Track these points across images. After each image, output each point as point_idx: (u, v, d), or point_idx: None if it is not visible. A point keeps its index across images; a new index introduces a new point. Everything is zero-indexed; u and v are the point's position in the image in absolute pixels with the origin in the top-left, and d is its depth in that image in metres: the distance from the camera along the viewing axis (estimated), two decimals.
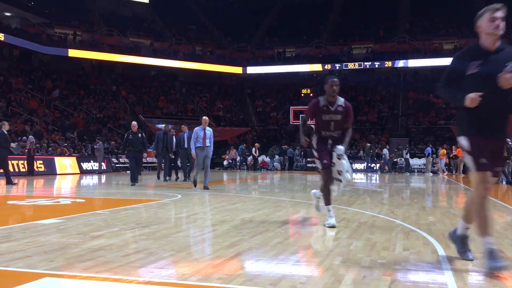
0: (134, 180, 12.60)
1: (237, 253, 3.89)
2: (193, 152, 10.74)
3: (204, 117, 11.27)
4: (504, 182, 15.07)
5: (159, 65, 36.54)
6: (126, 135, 12.94)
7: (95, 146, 21.88)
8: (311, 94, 34.43)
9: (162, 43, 37.89)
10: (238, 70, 38.09)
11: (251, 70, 38.12)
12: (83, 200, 8.66)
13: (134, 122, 13.13)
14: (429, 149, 24.12)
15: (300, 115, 26.64)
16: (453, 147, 23.35)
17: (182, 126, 15.11)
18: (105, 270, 3.25)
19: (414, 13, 39.44)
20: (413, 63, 34.70)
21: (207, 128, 10.87)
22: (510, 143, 15.65)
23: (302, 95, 35.03)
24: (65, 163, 20.64)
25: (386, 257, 3.83)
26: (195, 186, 11.38)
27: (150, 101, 34.77)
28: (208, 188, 10.73)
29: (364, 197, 9.81)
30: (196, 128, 10.96)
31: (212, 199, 8.54)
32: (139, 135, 12.77)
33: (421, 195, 10.99)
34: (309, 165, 25.89)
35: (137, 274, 3.20)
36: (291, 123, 28.50)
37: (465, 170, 18.83)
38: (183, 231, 5.01)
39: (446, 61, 33.96)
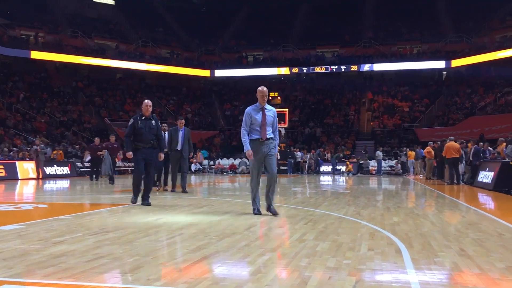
0: (145, 199, 7.98)
1: (203, 257, 3.86)
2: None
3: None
4: (456, 182, 15.49)
5: (125, 68, 36.01)
6: (131, 122, 8.02)
7: (37, 149, 19.42)
8: (279, 98, 34.60)
9: (128, 45, 37.38)
10: (206, 73, 37.96)
11: (219, 73, 38.07)
12: (46, 206, 8.42)
13: (147, 101, 8.17)
14: (422, 152, 23.56)
15: None
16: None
17: (163, 124, 11.92)
18: (67, 277, 3.16)
19: (378, 18, 40.27)
20: (378, 67, 35.40)
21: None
22: (465, 148, 16.17)
23: (270, 98, 35.15)
24: (27, 168, 20.05)
25: (352, 257, 3.87)
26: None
27: (116, 104, 34.21)
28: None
29: (331, 199, 9.91)
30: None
31: (180, 203, 8.46)
32: (153, 122, 8.05)
33: (387, 196, 11.19)
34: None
35: (100, 280, 3.12)
36: None
37: (435, 173, 19.21)
38: (149, 235, 4.93)
39: (410, 65, 34.88)
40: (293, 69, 36.54)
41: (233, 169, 27.49)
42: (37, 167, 19.45)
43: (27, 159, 21.02)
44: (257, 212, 6.78)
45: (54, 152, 22.46)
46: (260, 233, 5.27)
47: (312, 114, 34.28)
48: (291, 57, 37.71)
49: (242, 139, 6.61)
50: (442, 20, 38.24)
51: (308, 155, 27.10)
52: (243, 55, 39.33)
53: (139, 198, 8.07)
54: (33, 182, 17.19)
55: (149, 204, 7.81)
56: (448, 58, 33.66)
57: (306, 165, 26.73)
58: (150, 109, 8.02)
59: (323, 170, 26.41)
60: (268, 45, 39.01)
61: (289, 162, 25.59)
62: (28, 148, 22.44)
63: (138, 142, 7.88)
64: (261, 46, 39.17)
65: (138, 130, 7.86)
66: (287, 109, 27.77)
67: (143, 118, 7.95)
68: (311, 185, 15.16)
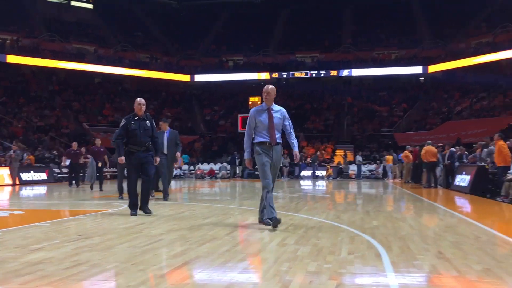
0: (144, 207, 7.29)
1: (184, 262, 3.84)
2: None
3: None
4: (434, 185, 15.74)
5: (104, 72, 35.62)
6: (123, 122, 7.33)
7: (12, 154, 18.67)
8: (259, 102, 34.68)
9: (107, 49, 36.98)
10: (186, 77, 37.82)
11: (199, 78, 37.98)
12: (22, 212, 8.26)
13: (139, 99, 7.47)
14: (399, 156, 23.52)
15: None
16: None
17: (161, 122, 10.70)
18: (44, 284, 3.10)
19: (357, 24, 40.72)
20: (357, 72, 35.79)
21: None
22: (442, 151, 16.42)
23: (250, 103, 35.22)
24: (2, 174, 19.63)
25: (332, 261, 3.90)
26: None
27: (95, 109, 33.81)
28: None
29: (312, 203, 9.96)
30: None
31: (160, 208, 8.38)
32: (147, 122, 7.38)
33: (367, 200, 11.30)
34: (257, 172, 25.94)
35: (78, 287, 3.08)
36: (239, 131, 28.55)
37: (413, 177, 19.41)
38: (128, 241, 4.88)
39: (388, 70, 35.38)
40: (273, 74, 36.68)
41: (212, 174, 27.38)
42: (11, 173, 19.04)
43: (3, 165, 20.58)
44: (274, 221, 5.67)
45: (27, 157, 22.01)
46: (240, 238, 5.27)
47: (293, 119, 34.31)
48: (271, 62, 37.85)
49: (244, 145, 6.07)
50: (419, 26, 38.89)
51: (288, 160, 27.17)
52: (223, 59, 39.34)
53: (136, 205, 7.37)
54: (9, 189, 16.83)
55: (149, 213, 7.18)
56: (425, 63, 34.22)
57: (287, 170, 26.80)
58: (144, 108, 7.36)
59: (303, 175, 26.51)
60: (248, 50, 39.10)
61: None
62: (3, 153, 21.98)
63: (132, 145, 7.18)
64: (241, 51, 39.23)
65: (132, 131, 7.17)
66: None
67: (136, 118, 7.29)
68: (291, 190, 15.21)
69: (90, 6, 40.62)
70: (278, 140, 5.94)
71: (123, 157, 7.28)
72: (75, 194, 13.35)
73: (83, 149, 18.57)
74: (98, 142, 15.32)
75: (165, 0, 45.82)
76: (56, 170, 22.81)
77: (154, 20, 42.82)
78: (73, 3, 40.33)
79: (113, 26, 40.06)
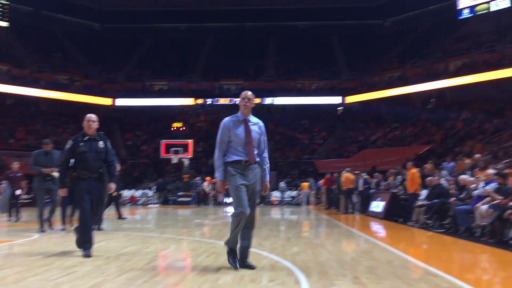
0: (88, 246, 5.87)
1: None
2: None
3: None
4: (351, 211, 16.38)
5: (17, 94, 33.68)
6: (69, 144, 6.01)
7: None
8: (183, 128, 34.55)
9: (22, 69, 35.10)
10: (107, 101, 36.74)
11: (121, 102, 37.08)
12: None
13: (90, 115, 6.11)
14: (318, 183, 24.07)
15: (173, 148, 26.41)
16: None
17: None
18: None
19: (280, 55, 42.05)
20: (279, 100, 36.88)
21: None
22: (359, 178, 17.20)
23: (174, 128, 34.90)
24: None
25: None
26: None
27: (5, 132, 31.73)
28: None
29: None
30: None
31: (74, 238, 7.95)
32: (100, 143, 6.09)
33: (288, 226, 11.48)
34: (180, 199, 25.51)
35: None
36: (161, 156, 28.05)
37: (331, 203, 19.98)
38: (38, 274, 4.56)
39: (309, 100, 36.81)
40: (198, 100, 36.82)
41: (133, 201, 26.53)
42: None
43: None
44: (234, 266, 4.84)
45: None
46: (160, 268, 5.13)
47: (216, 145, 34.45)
48: (196, 88, 37.92)
49: (215, 163, 4.96)
50: (338, 59, 40.95)
51: (211, 186, 27.03)
52: (146, 84, 38.79)
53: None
54: None
55: (89, 256, 5.70)
56: (343, 94, 36.06)
57: (211, 196, 26.61)
58: (95, 125, 6.06)
59: (226, 201, 26.47)
60: (173, 75, 38.90)
61: (193, 193, 25.35)
62: None
63: (82, 170, 5.89)
64: (166, 76, 38.95)
65: (80, 154, 5.90)
66: (191, 140, 27.66)
67: (86, 138, 6.02)
68: (215, 216, 15.11)
69: (5, 24, 38.50)
70: (257, 159, 4.95)
71: (65, 189, 6.08)
72: None
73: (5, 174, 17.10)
74: (15, 166, 13.79)
75: (87, 22, 44.65)
76: None
77: (75, 42, 41.41)
78: None
79: (30, 46, 38.17)
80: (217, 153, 4.95)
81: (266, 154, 5.11)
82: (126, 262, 5.30)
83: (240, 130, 4.91)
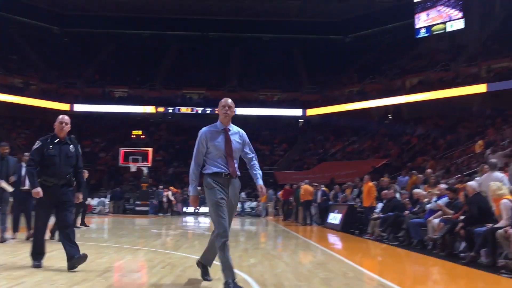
0: (39, 257, 5.62)
1: None
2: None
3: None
4: (309, 223, 16.57)
5: None
6: (37, 145, 5.66)
7: None
8: (143, 136, 34.09)
9: None
10: (64, 106, 35.69)
11: (79, 107, 36.17)
12: None
13: (62, 116, 5.87)
14: (278, 194, 24.08)
15: (132, 157, 25.95)
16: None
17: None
18: None
19: (243, 66, 42.29)
20: (242, 111, 36.86)
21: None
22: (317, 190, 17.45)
23: (133, 136, 34.37)
24: None
25: None
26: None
27: None
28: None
29: (192, 240, 9.86)
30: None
31: (23, 247, 7.66)
32: (71, 147, 5.76)
33: (247, 237, 11.47)
34: (137, 208, 25.06)
35: None
36: (120, 164, 27.53)
37: (289, 214, 20.12)
38: None
39: (271, 111, 37.13)
40: (159, 108, 36.43)
41: (88, 210, 25.81)
42: None
43: None
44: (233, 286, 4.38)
45: None
46: (114, 279, 5.02)
47: (177, 154, 34.15)
48: (157, 96, 37.52)
49: (190, 177, 4.61)
50: (300, 72, 41.56)
51: (170, 194, 26.68)
52: (107, 90, 38.08)
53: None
54: None
55: (39, 266, 5.45)
56: (304, 107, 36.58)
57: (168, 205, 26.24)
58: (67, 128, 5.69)
59: (185, 211, 26.18)
60: (134, 82, 38.38)
61: (151, 203, 24.95)
62: None
63: (47, 176, 5.41)
64: (127, 83, 38.38)
65: (49, 158, 5.43)
66: (151, 149, 27.30)
67: (56, 141, 5.59)
68: (172, 226, 14.92)
69: None
70: (238, 173, 4.60)
71: (39, 189, 5.36)
72: None
73: None
74: None
75: (45, 25, 43.50)
76: None
77: (32, 45, 40.22)
78: None
79: None
80: (192, 166, 4.61)
81: (255, 161, 4.87)
82: (79, 273, 5.16)
83: (219, 141, 4.54)
